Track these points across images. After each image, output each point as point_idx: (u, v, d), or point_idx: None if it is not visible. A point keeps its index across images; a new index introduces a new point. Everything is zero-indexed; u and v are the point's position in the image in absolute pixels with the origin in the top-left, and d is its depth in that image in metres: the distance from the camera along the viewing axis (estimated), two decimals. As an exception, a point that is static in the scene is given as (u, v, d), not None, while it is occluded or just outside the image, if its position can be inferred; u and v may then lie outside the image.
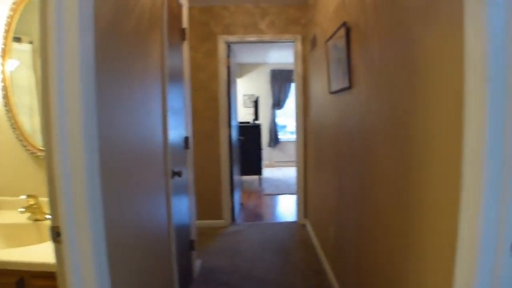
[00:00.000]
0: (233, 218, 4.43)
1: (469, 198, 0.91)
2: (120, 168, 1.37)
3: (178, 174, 2.31)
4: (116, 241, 1.29)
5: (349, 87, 2.01)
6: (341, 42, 2.09)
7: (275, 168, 8.43)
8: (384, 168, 1.58)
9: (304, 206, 4.32)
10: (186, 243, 2.77)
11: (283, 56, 7.30)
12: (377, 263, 1.70)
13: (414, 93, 1.26)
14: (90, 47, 1.10)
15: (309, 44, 3.77)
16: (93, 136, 1.11)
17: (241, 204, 5.31)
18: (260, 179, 6.87)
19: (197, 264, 3.07)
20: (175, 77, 2.47)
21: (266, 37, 4.15)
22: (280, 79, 8.32)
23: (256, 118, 7.19)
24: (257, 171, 6.64)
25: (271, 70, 8.36)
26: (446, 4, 1.05)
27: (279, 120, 8.76)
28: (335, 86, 2.34)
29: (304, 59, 4.12)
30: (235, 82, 5.12)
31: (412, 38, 1.26)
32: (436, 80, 1.11)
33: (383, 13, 1.55)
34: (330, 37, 2.38)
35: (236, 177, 4.85)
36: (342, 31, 2.06)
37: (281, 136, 8.75)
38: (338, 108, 2.38)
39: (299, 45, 4.11)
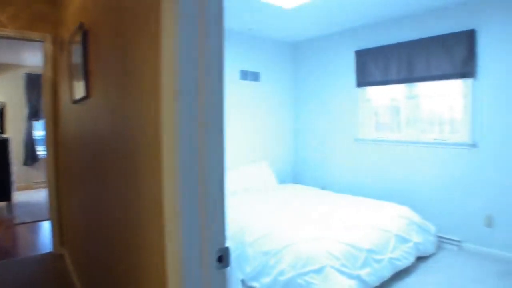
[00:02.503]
0: (-42, 262, 3.36)
1: (170, 214, 0.90)
2: None
3: None
4: None
5: (87, 97, 1.84)
6: (79, 47, 1.89)
7: (34, 191, 7.09)
8: (114, 182, 1.48)
9: (59, 233, 3.75)
10: None
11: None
12: (122, 279, 1.58)
13: (132, 103, 1.22)
14: None
15: (59, 46, 3.33)
16: None
17: (-24, 241, 4.14)
18: (10, 206, 5.59)
19: None
20: None
21: (7, 32, 3.39)
22: (38, 86, 7.11)
23: (2, 131, 5.85)
24: (5, 196, 5.38)
25: (26, 74, 7.04)
26: (153, 17, 1.05)
27: (39, 134, 7.47)
28: (77, 95, 2.10)
29: (55, 62, 3.62)
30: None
31: (130, 46, 1.23)
32: (147, 89, 1.10)
33: (110, 17, 1.47)
34: (72, 40, 2.14)
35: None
36: (79, 34, 1.87)
37: (42, 152, 7.48)
38: (80, 119, 2.15)
39: (49, 46, 3.57)
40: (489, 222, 3.48)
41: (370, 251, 2.81)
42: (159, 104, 0.92)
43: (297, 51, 5.39)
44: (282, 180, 5.26)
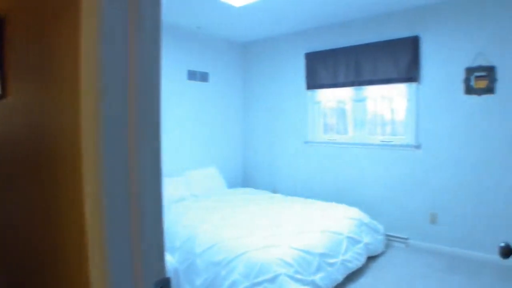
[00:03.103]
0: None
1: (95, 241, 0.72)
2: None
3: None
4: None
5: (2, 96, 1.56)
6: (-6, 37, 1.61)
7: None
8: (32, 207, 1.25)
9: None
10: None
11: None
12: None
13: (50, 104, 1.02)
14: None
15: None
16: None
17: None
18: None
19: None
20: None
21: None
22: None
23: None
24: None
25: None
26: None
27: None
28: (-7, 94, 1.80)
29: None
30: None
31: (48, 34, 1.02)
32: (66, 88, 0.91)
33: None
34: (-14, 30, 1.83)
35: None
36: (-7, 23, 1.59)
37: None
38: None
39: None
40: (433, 219, 3.62)
41: (323, 255, 2.77)
42: (79, 106, 0.74)
43: (247, 52, 5.30)
44: (232, 185, 5.12)
